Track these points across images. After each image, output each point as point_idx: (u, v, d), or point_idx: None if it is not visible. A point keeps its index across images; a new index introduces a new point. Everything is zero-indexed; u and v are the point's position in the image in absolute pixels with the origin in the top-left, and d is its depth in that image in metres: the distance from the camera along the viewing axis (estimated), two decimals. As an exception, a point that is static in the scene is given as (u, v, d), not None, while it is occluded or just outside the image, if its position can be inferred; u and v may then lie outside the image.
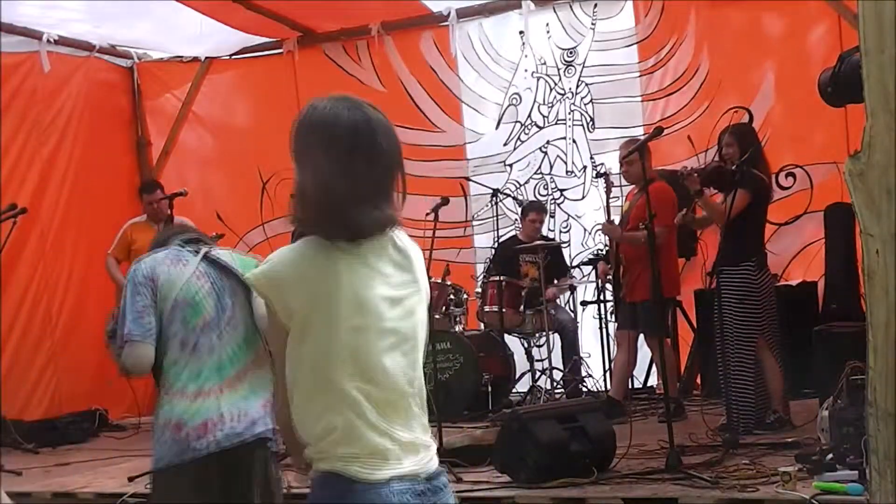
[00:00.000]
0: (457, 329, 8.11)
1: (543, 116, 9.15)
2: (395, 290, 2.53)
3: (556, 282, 8.51)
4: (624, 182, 7.53)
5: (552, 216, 9.06)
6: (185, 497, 3.37)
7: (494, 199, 8.76)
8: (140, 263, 3.52)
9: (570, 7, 8.94)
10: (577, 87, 9.00)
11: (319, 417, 2.44)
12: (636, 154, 6.55)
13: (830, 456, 4.91)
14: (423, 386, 2.58)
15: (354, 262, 2.48)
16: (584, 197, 9.00)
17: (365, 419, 2.43)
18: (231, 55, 10.02)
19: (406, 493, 2.42)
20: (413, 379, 2.53)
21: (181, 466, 3.37)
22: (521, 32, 9.11)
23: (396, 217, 2.56)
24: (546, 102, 9.13)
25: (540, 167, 9.16)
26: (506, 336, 8.25)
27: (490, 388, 7.90)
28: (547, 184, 9.13)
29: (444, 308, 8.09)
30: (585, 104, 8.99)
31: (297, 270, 2.47)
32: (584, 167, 8.98)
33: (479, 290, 8.46)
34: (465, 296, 8.29)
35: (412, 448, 2.48)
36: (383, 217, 2.51)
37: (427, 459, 2.51)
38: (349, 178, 2.47)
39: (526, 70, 9.17)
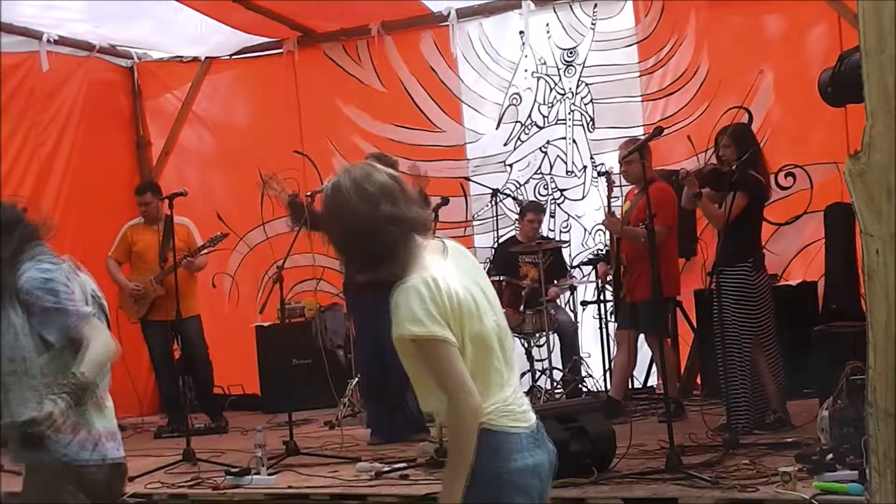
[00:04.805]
0: (457, 329, 8.10)
1: (543, 116, 9.15)
2: None
3: (556, 282, 8.51)
4: (625, 182, 7.53)
5: (552, 216, 9.07)
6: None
7: (494, 199, 8.77)
8: (53, 270, 3.53)
9: (570, 7, 8.94)
10: (577, 87, 9.00)
11: None
12: (635, 154, 6.55)
13: (830, 456, 4.91)
14: None
15: None
16: (584, 197, 9.00)
17: None
18: (231, 55, 10.02)
19: None
20: None
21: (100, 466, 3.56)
22: (521, 32, 9.11)
23: None
24: (546, 102, 9.13)
25: (540, 167, 9.16)
26: (506, 336, 8.24)
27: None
28: (547, 184, 9.13)
29: (444, 308, 8.09)
30: (585, 104, 8.99)
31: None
32: (584, 167, 8.99)
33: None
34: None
35: None
36: None
37: None
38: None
39: (526, 70, 9.17)
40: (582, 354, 8.39)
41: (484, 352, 2.85)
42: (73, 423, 3.44)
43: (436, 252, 2.91)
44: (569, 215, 9.08)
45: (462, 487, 2.77)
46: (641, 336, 7.37)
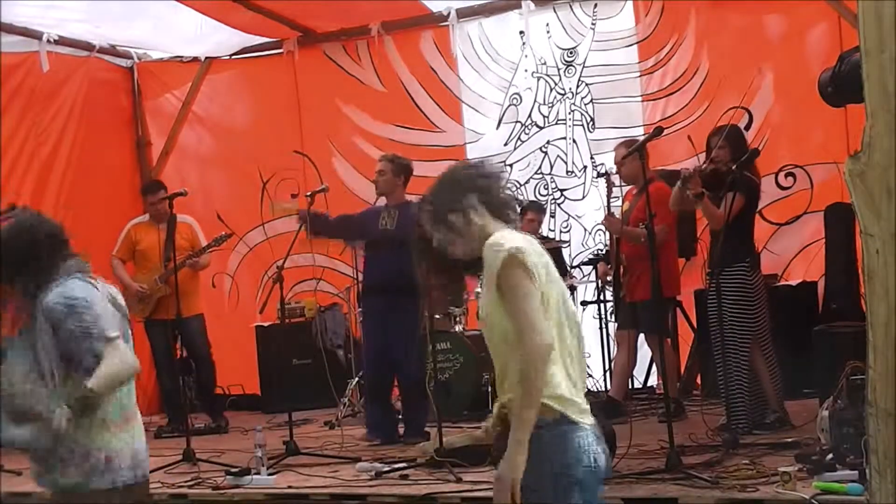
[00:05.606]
0: (457, 329, 8.11)
1: (544, 116, 9.16)
2: None
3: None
4: (624, 182, 7.53)
5: (552, 216, 9.07)
6: None
7: (495, 199, 8.75)
8: (73, 292, 3.45)
9: (570, 7, 8.94)
10: (578, 87, 9.01)
11: None
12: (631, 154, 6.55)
13: (830, 456, 4.91)
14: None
15: None
16: (584, 197, 9.00)
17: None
18: (231, 55, 10.02)
19: None
20: None
21: (110, 492, 3.50)
22: (521, 32, 9.12)
23: None
24: (546, 102, 9.14)
25: (540, 167, 9.17)
26: (506, 336, 8.23)
27: (490, 388, 7.89)
28: (547, 184, 9.14)
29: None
30: (585, 104, 8.99)
31: None
32: (585, 167, 8.99)
33: (480, 289, 8.44)
34: (465, 296, 8.28)
35: None
36: None
37: None
38: None
39: (526, 70, 9.17)
40: (582, 354, 8.37)
41: (561, 325, 3.02)
42: (82, 448, 3.44)
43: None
44: (569, 215, 9.08)
45: (529, 431, 2.93)
46: (641, 336, 7.36)
